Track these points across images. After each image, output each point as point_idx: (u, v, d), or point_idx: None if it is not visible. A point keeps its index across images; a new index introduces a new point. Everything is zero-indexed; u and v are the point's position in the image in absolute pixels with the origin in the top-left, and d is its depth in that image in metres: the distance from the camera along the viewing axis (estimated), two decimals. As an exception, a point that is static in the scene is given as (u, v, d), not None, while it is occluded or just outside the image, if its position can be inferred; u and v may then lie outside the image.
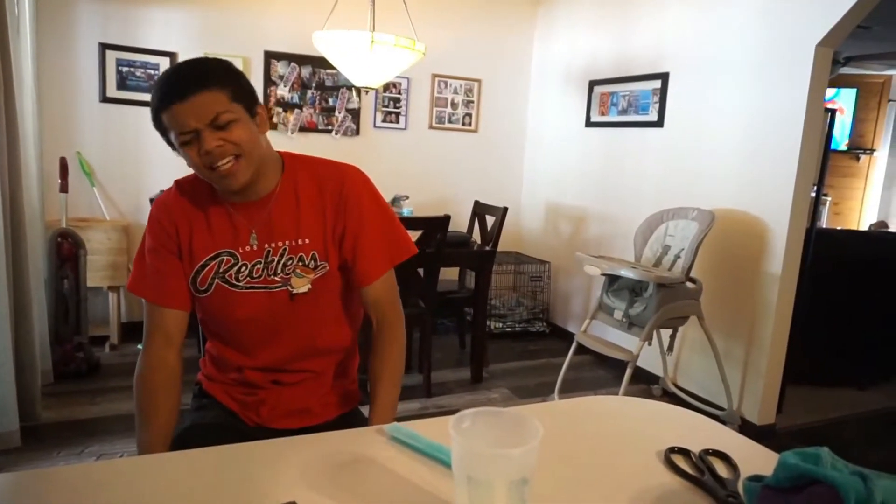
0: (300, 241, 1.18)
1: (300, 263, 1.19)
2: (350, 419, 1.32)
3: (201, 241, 1.18)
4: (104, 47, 3.46)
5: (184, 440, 1.19)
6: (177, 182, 1.24)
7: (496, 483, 0.63)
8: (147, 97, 3.55)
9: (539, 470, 0.67)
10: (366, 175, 1.27)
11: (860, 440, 2.99)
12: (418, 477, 0.85)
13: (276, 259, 1.18)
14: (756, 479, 0.72)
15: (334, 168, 1.24)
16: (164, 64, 3.59)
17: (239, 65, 3.74)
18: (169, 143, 1.12)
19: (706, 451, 0.93)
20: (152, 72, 3.59)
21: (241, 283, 1.18)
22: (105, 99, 3.51)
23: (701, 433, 1.06)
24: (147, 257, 1.20)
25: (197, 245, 1.18)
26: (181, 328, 1.21)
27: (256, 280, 1.18)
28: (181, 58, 3.63)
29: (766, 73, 2.83)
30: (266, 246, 1.18)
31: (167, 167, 3.61)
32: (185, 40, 3.63)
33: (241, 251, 1.18)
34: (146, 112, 3.57)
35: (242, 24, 3.75)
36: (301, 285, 1.19)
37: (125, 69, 3.53)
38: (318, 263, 1.20)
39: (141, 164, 3.62)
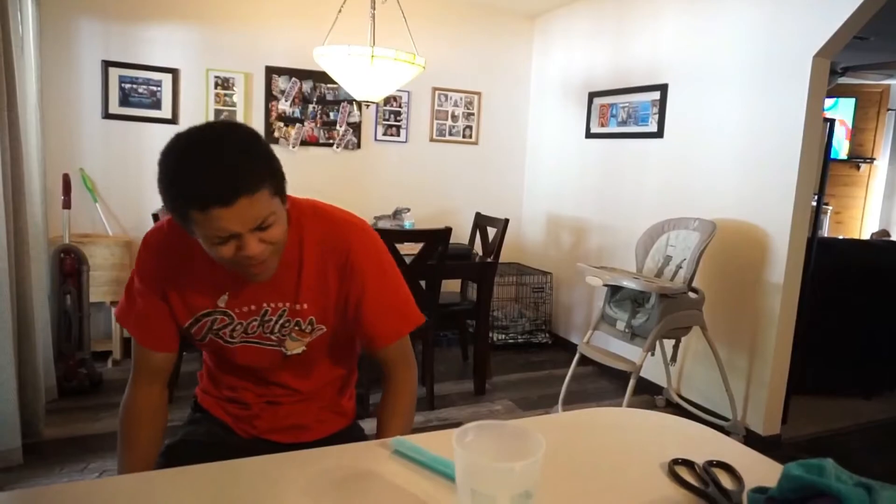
0: (299, 307, 1.14)
1: (297, 328, 1.15)
2: (348, 434, 1.31)
3: (197, 293, 1.13)
4: (107, 64, 3.50)
5: (174, 454, 1.20)
6: (169, 220, 1.14)
7: (500, 497, 0.62)
8: (150, 113, 3.61)
9: (543, 483, 0.67)
10: (374, 235, 1.19)
11: (866, 450, 2.97)
12: (422, 491, 0.85)
13: (274, 319, 1.14)
14: (760, 490, 0.72)
15: (340, 230, 1.15)
16: (167, 80, 3.63)
17: (240, 80, 3.78)
18: (186, 228, 1.00)
19: (710, 463, 0.93)
20: (155, 88, 3.62)
21: (234, 340, 1.16)
22: (108, 115, 3.54)
23: (705, 445, 1.05)
24: (135, 294, 1.17)
25: (191, 296, 1.13)
26: (167, 367, 1.21)
27: (251, 336, 1.16)
28: (183, 74, 3.67)
29: (765, 83, 2.85)
30: (265, 306, 1.13)
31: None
32: (187, 57, 3.67)
33: (237, 311, 1.13)
34: (148, 128, 3.64)
35: (244, 40, 3.78)
36: (295, 348, 1.17)
37: (128, 86, 3.56)
38: (316, 327, 1.16)
39: (143, 179, 3.64)
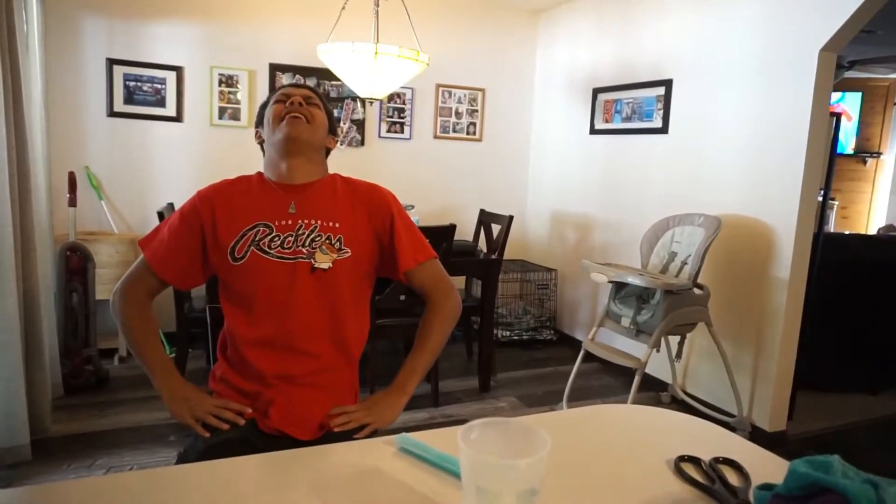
0: (332, 223, 1.32)
1: (327, 241, 1.31)
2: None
3: (241, 213, 1.32)
4: (111, 62, 3.50)
5: (213, 455, 1.20)
6: (224, 179, 1.41)
7: (505, 493, 0.62)
8: (154, 111, 3.64)
9: (548, 480, 0.67)
10: (392, 193, 1.45)
11: (872, 446, 2.96)
12: (427, 488, 0.85)
13: (307, 234, 1.31)
14: (767, 487, 0.71)
15: (368, 185, 1.44)
16: (171, 78, 3.63)
17: (244, 78, 3.78)
18: (259, 121, 1.41)
19: (716, 460, 0.93)
20: (159, 86, 3.62)
21: (272, 252, 1.29)
22: (112, 113, 3.55)
23: (711, 441, 1.05)
24: (165, 228, 1.35)
25: (237, 216, 1.31)
26: (156, 293, 1.37)
27: (286, 251, 1.29)
28: (188, 72, 3.67)
29: (770, 78, 2.83)
30: (300, 220, 1.31)
31: (175, 180, 3.64)
32: (191, 54, 3.67)
33: (277, 224, 1.31)
34: (154, 126, 3.65)
35: (247, 38, 3.78)
36: (323, 261, 1.30)
37: (132, 84, 3.56)
38: (343, 247, 1.32)
39: (148, 177, 3.65)
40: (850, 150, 6.32)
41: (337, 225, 1.33)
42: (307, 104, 1.36)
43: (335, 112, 4.04)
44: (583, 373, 3.32)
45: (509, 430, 0.69)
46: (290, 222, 1.31)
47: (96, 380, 3.09)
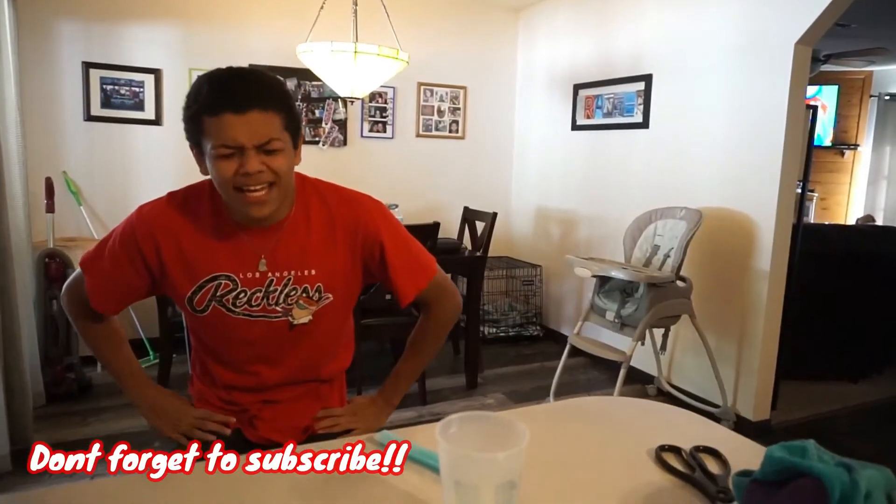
0: (307, 272, 1.15)
1: (304, 295, 1.16)
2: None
3: (199, 258, 1.12)
4: (87, 66, 3.45)
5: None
6: (170, 194, 1.16)
7: (484, 487, 0.62)
8: (132, 114, 3.58)
9: (529, 472, 0.67)
10: (378, 203, 1.23)
11: (854, 433, 3.01)
12: (410, 485, 0.85)
13: (280, 289, 1.14)
14: (745, 473, 0.72)
15: (347, 202, 1.19)
16: (149, 81, 3.58)
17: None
18: (194, 144, 1.08)
19: (697, 448, 0.94)
20: (137, 89, 3.58)
21: (237, 310, 1.14)
22: (90, 117, 3.49)
23: (692, 431, 1.06)
24: (108, 254, 1.15)
25: (193, 262, 1.12)
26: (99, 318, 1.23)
27: (255, 308, 1.14)
28: (166, 74, 3.63)
29: (748, 71, 2.86)
30: (270, 275, 1.13)
31: (154, 184, 3.60)
32: (170, 56, 3.63)
33: (241, 277, 1.13)
34: (132, 130, 3.61)
35: (226, 39, 3.75)
36: (302, 316, 1.17)
37: (109, 87, 3.52)
38: (323, 295, 1.17)
39: (128, 181, 3.60)
40: (828, 142, 6.42)
41: (313, 272, 1.15)
42: (266, 155, 1.03)
43: (317, 112, 4.02)
44: (570, 368, 3.33)
45: (488, 424, 0.69)
46: (257, 275, 1.13)
47: (78, 388, 3.05)
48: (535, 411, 1.24)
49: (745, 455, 0.93)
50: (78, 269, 1.18)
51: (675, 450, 0.94)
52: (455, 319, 1.34)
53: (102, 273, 1.15)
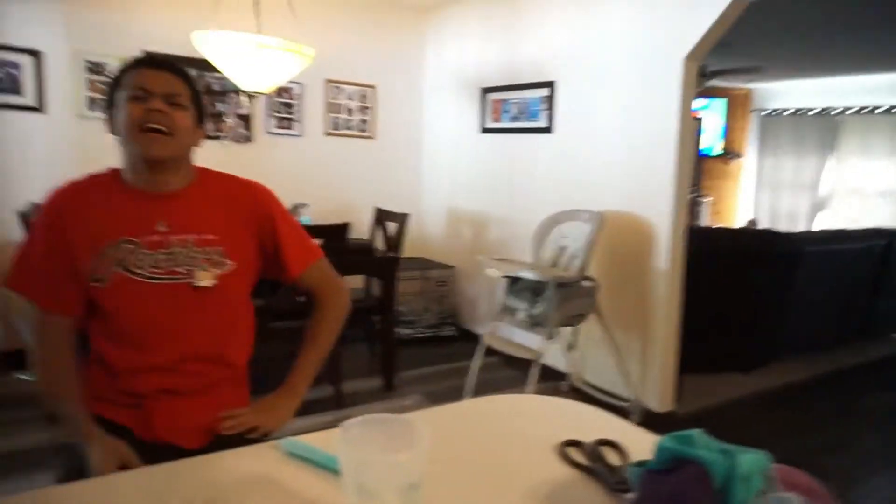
0: (207, 237, 1.22)
1: (205, 257, 1.21)
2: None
3: (101, 228, 1.16)
4: (-49, 45, 3.11)
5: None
6: (71, 179, 1.22)
7: (385, 490, 0.61)
8: (8, 99, 3.28)
9: (433, 472, 0.67)
10: (271, 191, 1.36)
11: (747, 418, 3.25)
12: (315, 492, 0.82)
13: (182, 251, 1.19)
14: (640, 464, 0.75)
15: (243, 184, 1.32)
16: (27, 62, 3.28)
17: (115, 66, 3.49)
18: (109, 106, 1.19)
19: (598, 442, 0.97)
20: (12, 71, 3.25)
21: (141, 272, 1.16)
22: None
23: (595, 425, 1.09)
24: (31, 255, 1.18)
25: (95, 232, 1.16)
26: (69, 333, 1.21)
27: (158, 270, 1.18)
28: (48, 57, 3.35)
29: (643, 83, 3.02)
30: (172, 237, 1.19)
31: (39, 177, 3.30)
32: (51, 37, 3.33)
33: (143, 240, 1.17)
34: (8, 116, 3.29)
35: (116, 22, 3.49)
36: (204, 278, 1.20)
37: (-23, 68, 3.18)
38: (224, 261, 1.23)
39: (6, 173, 3.27)
40: (718, 151, 6.94)
41: (212, 237, 1.22)
42: (170, 106, 1.16)
43: (219, 106, 3.85)
44: (486, 367, 3.37)
45: (390, 426, 0.68)
46: (159, 238, 1.18)
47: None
48: (446, 410, 1.24)
49: (642, 445, 0.97)
50: (17, 299, 1.18)
51: (578, 444, 0.97)
52: (346, 312, 1.43)
53: (36, 273, 1.18)
